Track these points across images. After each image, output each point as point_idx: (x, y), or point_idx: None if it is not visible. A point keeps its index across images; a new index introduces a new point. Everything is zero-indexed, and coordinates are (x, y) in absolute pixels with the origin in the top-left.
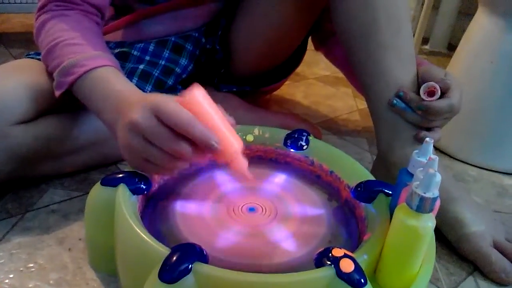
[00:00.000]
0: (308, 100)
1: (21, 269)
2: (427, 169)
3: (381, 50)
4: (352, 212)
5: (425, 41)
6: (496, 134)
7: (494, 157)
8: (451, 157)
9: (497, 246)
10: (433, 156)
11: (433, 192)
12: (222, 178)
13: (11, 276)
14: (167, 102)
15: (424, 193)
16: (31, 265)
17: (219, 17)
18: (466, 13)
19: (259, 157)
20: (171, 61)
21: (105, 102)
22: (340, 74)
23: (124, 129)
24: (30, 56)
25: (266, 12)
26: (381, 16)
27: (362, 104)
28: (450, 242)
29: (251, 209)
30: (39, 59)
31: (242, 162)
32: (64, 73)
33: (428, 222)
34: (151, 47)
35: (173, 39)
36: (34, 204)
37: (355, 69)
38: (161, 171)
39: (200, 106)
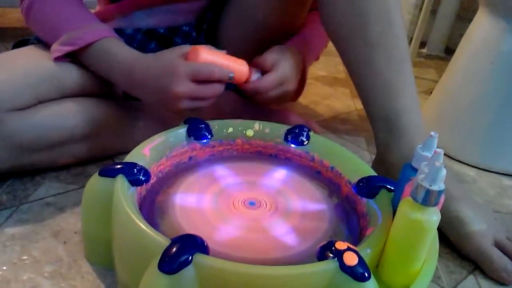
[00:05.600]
0: (306, 100)
1: (14, 261)
2: (434, 162)
3: (368, 49)
4: (353, 208)
5: (422, 44)
6: (495, 134)
7: (493, 158)
8: (449, 157)
9: (498, 245)
10: (438, 150)
11: (439, 185)
12: (221, 172)
13: (5, 268)
14: (197, 67)
15: (430, 185)
16: (25, 257)
17: (206, 11)
18: (464, 18)
19: (259, 153)
20: None
21: (112, 70)
22: (338, 75)
23: (170, 100)
24: (27, 39)
25: (255, 5)
26: (370, 16)
27: (361, 104)
28: (450, 241)
29: (252, 203)
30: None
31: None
32: (64, 43)
33: (433, 216)
34: (139, 36)
35: (161, 31)
36: (29, 197)
37: (347, 68)
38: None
39: (207, 57)
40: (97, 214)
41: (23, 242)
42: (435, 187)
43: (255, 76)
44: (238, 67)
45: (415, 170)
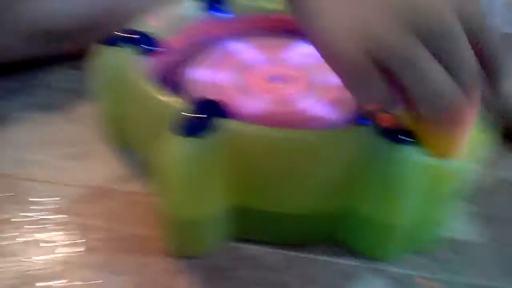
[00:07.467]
0: None
1: (25, 141)
2: None
3: None
4: None
5: None
6: None
7: None
8: None
9: None
10: None
11: None
12: (242, 48)
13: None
14: None
15: None
16: (36, 139)
17: None
18: None
19: (284, 28)
20: None
21: None
22: None
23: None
24: None
25: None
26: None
27: None
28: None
29: (277, 79)
30: None
31: None
32: None
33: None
34: None
35: None
36: (40, 82)
37: None
38: None
39: None
40: (109, 89)
41: (33, 125)
42: None
43: None
44: None
45: None
